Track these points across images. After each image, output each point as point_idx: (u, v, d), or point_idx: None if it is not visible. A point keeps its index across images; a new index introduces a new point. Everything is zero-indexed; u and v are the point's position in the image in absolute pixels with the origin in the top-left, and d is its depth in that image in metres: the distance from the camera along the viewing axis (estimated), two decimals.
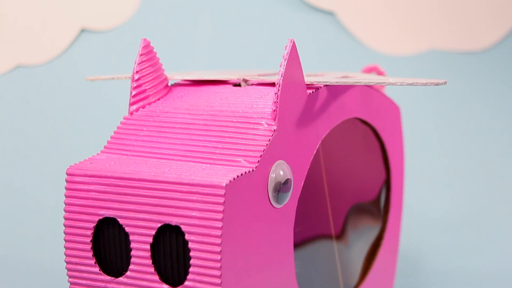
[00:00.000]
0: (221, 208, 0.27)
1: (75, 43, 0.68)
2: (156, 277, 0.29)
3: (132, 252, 0.29)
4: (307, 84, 0.33)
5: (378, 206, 0.43)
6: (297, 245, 0.34)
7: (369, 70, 0.46)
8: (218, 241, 0.27)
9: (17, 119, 0.66)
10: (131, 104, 0.34)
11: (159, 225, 0.28)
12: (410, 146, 0.57)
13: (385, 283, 0.43)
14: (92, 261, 0.30)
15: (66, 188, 0.30)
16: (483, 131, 0.69)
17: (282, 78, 0.30)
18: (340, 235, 0.39)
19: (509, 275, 0.50)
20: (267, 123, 0.30)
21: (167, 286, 0.29)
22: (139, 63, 0.34)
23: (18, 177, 0.62)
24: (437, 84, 0.33)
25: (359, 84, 0.34)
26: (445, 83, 0.33)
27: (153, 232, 0.28)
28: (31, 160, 0.64)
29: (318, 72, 0.42)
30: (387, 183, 0.42)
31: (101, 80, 0.40)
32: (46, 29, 0.67)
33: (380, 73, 0.46)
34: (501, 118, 0.70)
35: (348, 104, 0.36)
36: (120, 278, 0.29)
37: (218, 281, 0.27)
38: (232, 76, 0.37)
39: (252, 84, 0.36)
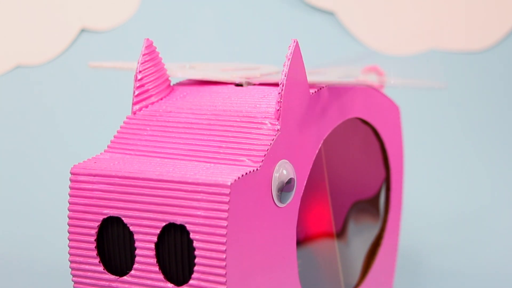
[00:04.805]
0: (226, 207, 0.27)
1: (75, 43, 0.68)
2: (161, 276, 0.29)
3: (137, 251, 0.29)
4: (309, 84, 0.33)
5: (378, 205, 0.43)
6: (299, 244, 0.34)
7: (369, 70, 0.46)
8: (223, 240, 0.27)
9: (17, 119, 0.66)
10: (134, 103, 0.34)
11: (164, 224, 0.28)
12: (410, 145, 0.57)
13: (385, 281, 0.43)
14: (96, 260, 0.30)
15: (70, 188, 0.30)
16: (482, 131, 0.69)
17: (285, 78, 0.30)
18: (340, 234, 0.40)
19: (508, 274, 0.50)
20: (270, 123, 0.31)
21: (172, 285, 0.29)
22: (142, 63, 0.34)
23: (20, 178, 0.62)
24: (437, 87, 0.33)
25: (356, 84, 0.34)
26: (446, 86, 0.33)
27: (158, 231, 0.29)
28: (33, 160, 0.64)
29: (320, 68, 0.42)
30: (387, 183, 0.43)
31: (104, 68, 0.40)
32: (46, 29, 0.67)
33: (379, 73, 0.46)
34: (501, 118, 0.70)
35: (349, 104, 0.37)
36: (125, 277, 0.30)
37: (223, 279, 0.27)
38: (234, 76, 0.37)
39: (254, 84, 0.36)
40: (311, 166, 0.33)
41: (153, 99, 0.34)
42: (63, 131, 0.65)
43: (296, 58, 0.31)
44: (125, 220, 0.29)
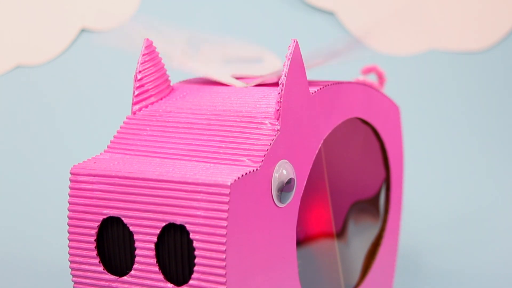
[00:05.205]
0: (226, 207, 0.27)
1: (75, 43, 0.68)
2: (161, 276, 0.29)
3: (137, 251, 0.29)
4: (309, 84, 0.33)
5: (378, 205, 0.43)
6: (299, 244, 0.34)
7: (368, 70, 0.46)
8: (223, 240, 0.27)
9: (17, 119, 0.66)
10: (134, 103, 0.34)
11: (164, 224, 0.28)
12: (410, 145, 0.57)
13: (385, 281, 0.43)
14: (96, 260, 0.30)
15: (70, 188, 0.30)
16: (482, 131, 0.70)
17: (285, 78, 0.30)
18: (340, 234, 0.40)
19: (508, 274, 0.50)
20: (270, 123, 0.31)
21: (172, 285, 0.29)
22: (141, 63, 0.34)
23: (20, 178, 0.62)
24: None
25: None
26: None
27: (158, 231, 0.29)
28: (33, 160, 0.64)
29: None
30: (387, 182, 0.43)
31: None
32: (46, 29, 0.67)
33: (379, 73, 0.46)
34: (501, 118, 0.70)
35: (349, 104, 0.37)
36: (124, 277, 0.29)
37: (223, 280, 0.27)
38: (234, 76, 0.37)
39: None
40: (311, 166, 0.33)
41: (153, 99, 0.34)
42: (63, 131, 0.65)
43: (296, 58, 0.31)
44: (125, 220, 0.29)
